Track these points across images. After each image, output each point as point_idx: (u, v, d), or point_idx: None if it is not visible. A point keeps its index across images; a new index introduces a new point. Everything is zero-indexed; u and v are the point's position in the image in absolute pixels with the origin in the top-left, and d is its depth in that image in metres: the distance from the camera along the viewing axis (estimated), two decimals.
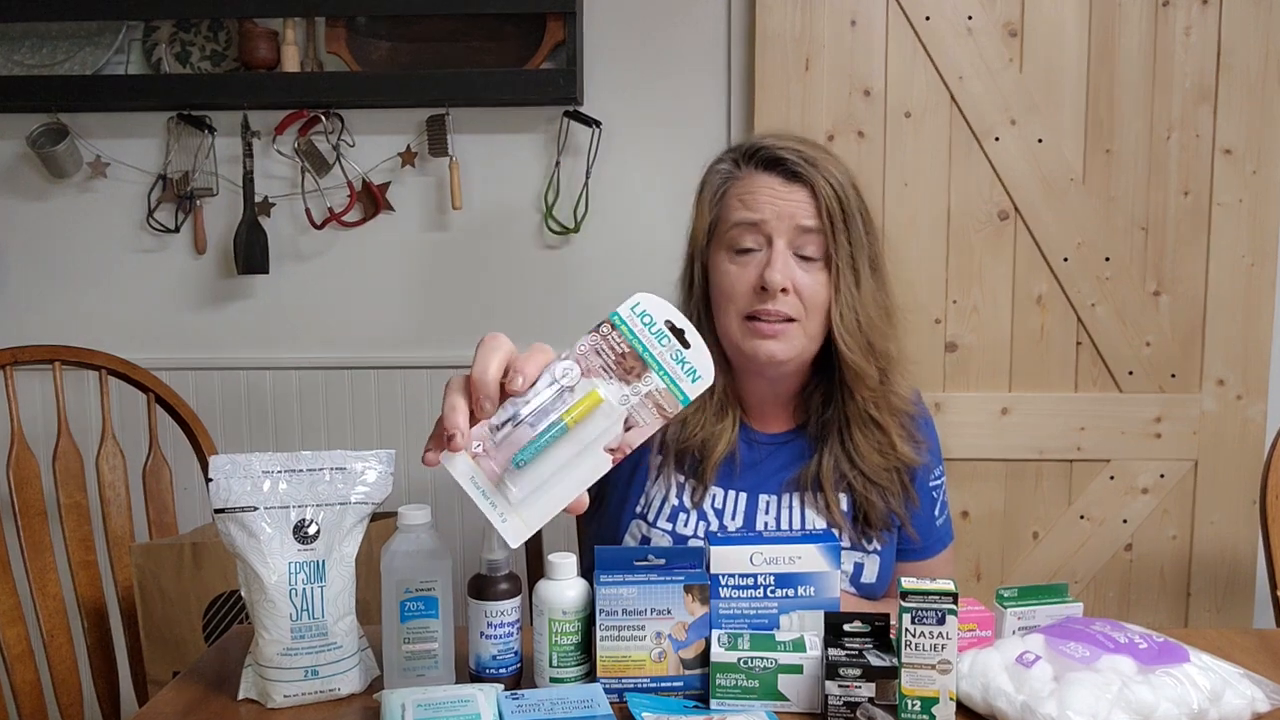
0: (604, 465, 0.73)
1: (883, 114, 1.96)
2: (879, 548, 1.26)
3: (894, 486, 1.26)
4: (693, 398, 0.75)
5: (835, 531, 1.23)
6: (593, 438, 0.72)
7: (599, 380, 0.73)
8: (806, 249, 1.20)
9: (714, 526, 1.26)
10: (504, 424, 0.73)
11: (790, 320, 1.19)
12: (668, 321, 0.73)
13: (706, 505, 1.27)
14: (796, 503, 1.26)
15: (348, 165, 2.01)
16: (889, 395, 1.25)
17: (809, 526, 1.26)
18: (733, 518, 1.26)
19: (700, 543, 1.25)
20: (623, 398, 0.73)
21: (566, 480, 0.73)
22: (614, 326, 0.74)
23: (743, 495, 1.27)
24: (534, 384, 0.73)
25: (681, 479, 1.27)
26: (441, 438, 0.75)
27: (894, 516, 1.27)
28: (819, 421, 1.27)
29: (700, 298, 1.26)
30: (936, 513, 1.33)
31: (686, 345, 0.73)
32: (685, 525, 1.26)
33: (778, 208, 1.19)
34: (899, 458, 1.25)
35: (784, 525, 1.26)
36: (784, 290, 1.18)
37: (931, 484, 1.32)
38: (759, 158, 1.22)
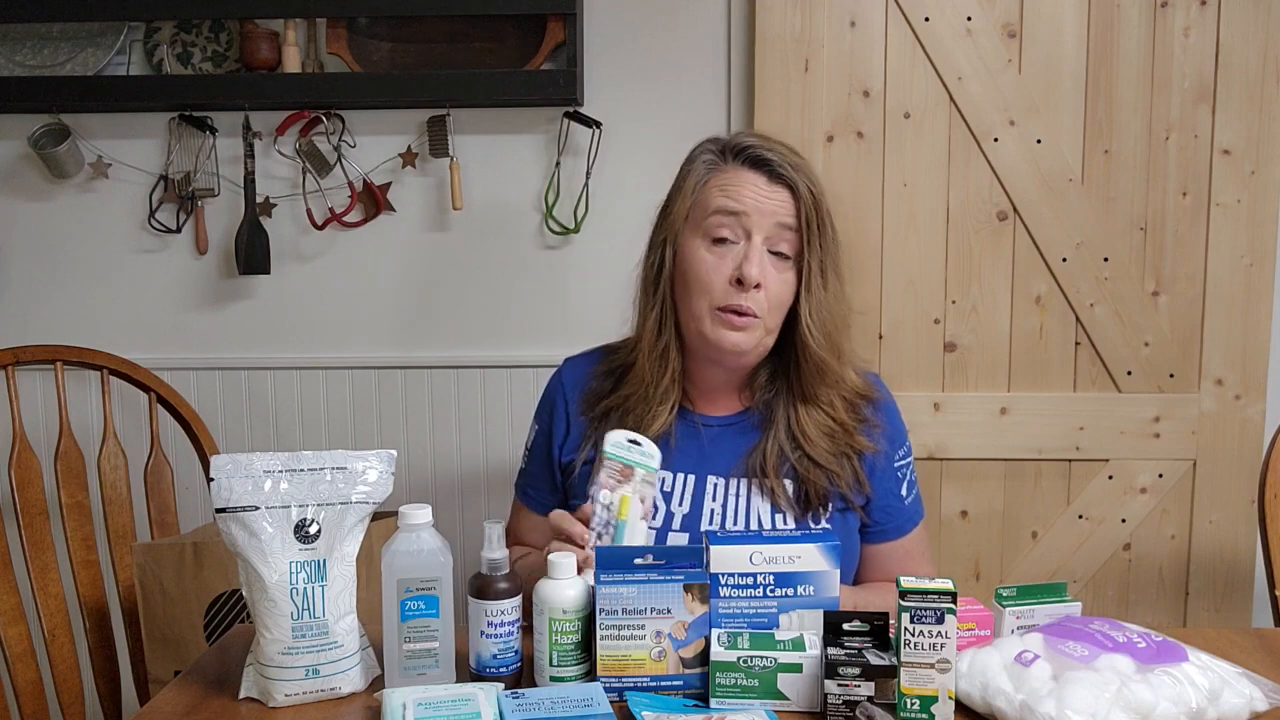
0: (644, 528, 1.17)
1: (882, 114, 1.97)
2: (828, 526, 1.28)
3: (844, 473, 1.28)
4: (658, 465, 1.18)
5: (782, 515, 1.26)
6: (635, 516, 1.16)
7: (621, 489, 1.15)
8: (781, 247, 1.24)
9: (660, 512, 1.28)
10: (594, 542, 1.13)
11: (755, 315, 1.23)
12: (628, 438, 1.17)
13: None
14: (744, 488, 1.28)
15: (349, 166, 2.01)
16: (843, 389, 1.30)
17: (754, 511, 1.27)
18: (680, 502, 1.28)
19: (652, 531, 1.27)
20: (634, 488, 1.16)
21: (637, 544, 1.15)
22: (609, 459, 1.15)
23: (690, 478, 1.29)
24: (595, 515, 1.15)
25: None
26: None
27: (839, 496, 1.28)
28: (763, 402, 1.31)
29: (668, 280, 1.29)
30: (904, 491, 1.34)
31: (639, 444, 1.17)
32: None
33: (760, 204, 1.23)
34: (851, 445, 1.29)
35: (729, 510, 1.27)
36: (757, 286, 1.22)
37: (897, 464, 1.34)
38: (745, 155, 1.26)
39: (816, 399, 1.28)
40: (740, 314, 1.23)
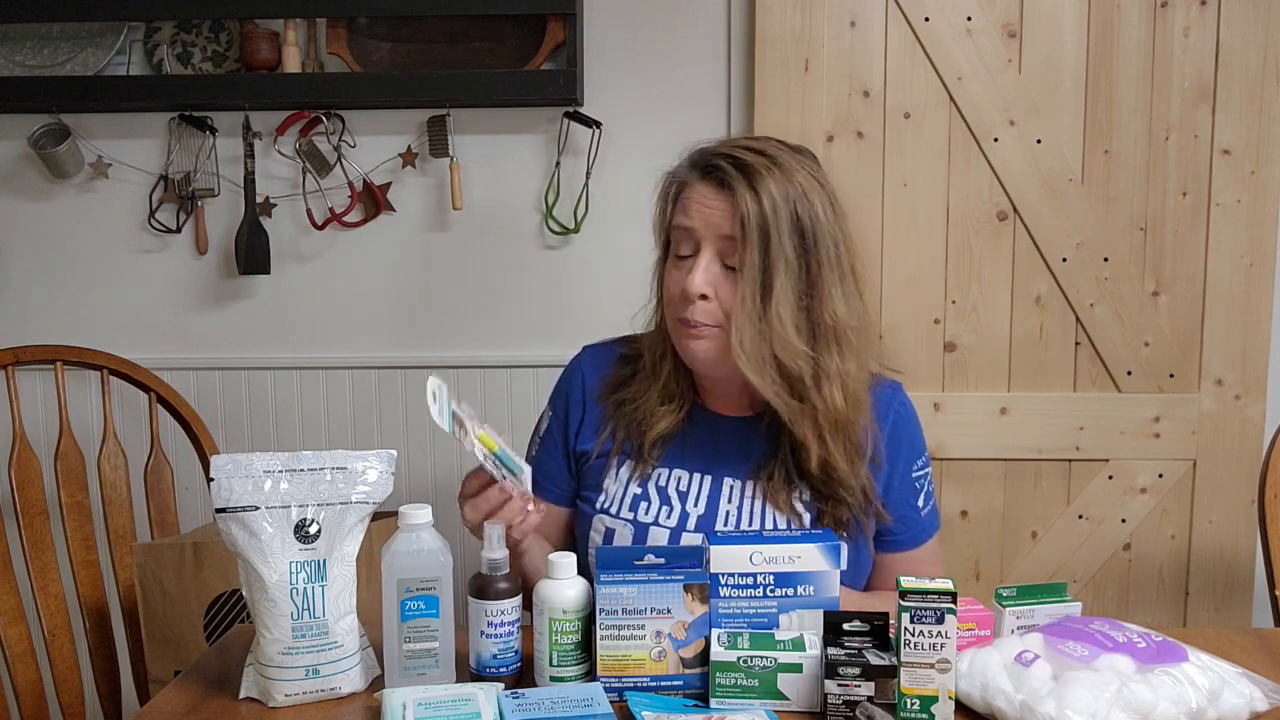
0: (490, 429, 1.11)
1: (882, 114, 1.97)
2: (844, 534, 1.26)
3: (844, 496, 1.25)
4: (446, 390, 1.09)
5: (796, 521, 1.25)
6: (498, 437, 1.10)
7: (471, 432, 1.07)
8: (730, 259, 1.19)
9: (676, 511, 1.27)
10: (503, 482, 1.10)
11: (708, 325, 1.20)
12: (430, 399, 1.06)
13: (670, 488, 1.28)
14: (760, 492, 1.27)
15: (349, 166, 2.01)
16: (818, 414, 1.21)
17: (769, 518, 1.26)
18: (695, 503, 1.27)
19: (662, 529, 1.27)
20: (470, 420, 1.08)
21: (511, 452, 1.11)
22: (451, 431, 1.07)
23: (706, 478, 1.29)
24: (491, 470, 1.09)
25: (634, 464, 1.30)
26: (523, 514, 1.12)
27: (854, 520, 1.26)
28: (772, 416, 1.28)
29: (659, 299, 1.29)
30: (921, 503, 1.33)
31: (435, 398, 1.07)
32: (646, 513, 1.27)
33: (706, 216, 1.20)
34: (831, 472, 1.23)
35: (744, 513, 1.26)
36: (704, 298, 1.19)
37: (914, 475, 1.32)
38: (701, 164, 1.23)
39: (804, 438, 1.21)
40: (690, 325, 1.20)
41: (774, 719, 0.97)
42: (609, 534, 1.28)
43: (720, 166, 1.19)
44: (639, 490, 1.28)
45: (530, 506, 1.11)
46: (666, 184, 1.27)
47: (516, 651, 1.07)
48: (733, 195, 1.18)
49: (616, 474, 1.30)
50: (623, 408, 1.31)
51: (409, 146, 2.02)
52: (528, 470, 1.10)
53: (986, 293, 2.00)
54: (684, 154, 1.28)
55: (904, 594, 0.96)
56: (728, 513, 1.27)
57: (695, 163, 1.24)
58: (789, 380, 1.20)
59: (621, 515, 1.28)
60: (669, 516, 1.27)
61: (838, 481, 1.24)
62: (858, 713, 0.96)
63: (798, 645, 1.02)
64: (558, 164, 2.01)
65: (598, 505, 1.30)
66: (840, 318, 1.21)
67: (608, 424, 1.32)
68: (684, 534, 1.26)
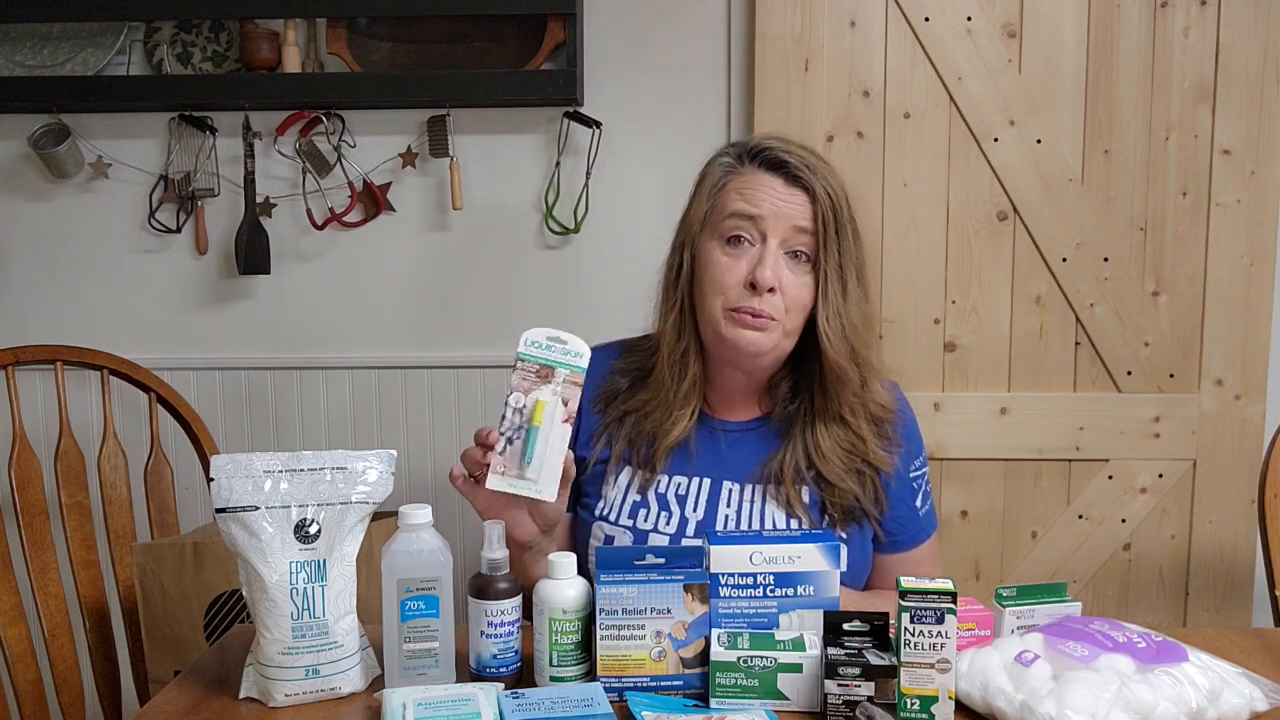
0: (567, 430, 1.09)
1: (882, 114, 1.97)
2: (844, 536, 1.27)
3: (863, 491, 1.27)
4: (586, 366, 1.10)
5: (797, 521, 1.25)
6: (552, 420, 1.09)
7: (536, 391, 1.09)
8: (798, 250, 1.23)
9: (675, 517, 1.27)
10: (504, 447, 1.09)
11: (771, 318, 1.22)
12: (547, 335, 1.10)
13: (669, 494, 1.28)
14: (759, 494, 1.28)
15: (349, 166, 2.01)
16: (868, 402, 1.28)
17: (769, 518, 1.26)
18: (694, 508, 1.27)
19: (662, 536, 1.27)
20: (553, 390, 1.09)
21: (554, 451, 1.09)
22: (522, 360, 1.10)
23: (706, 482, 1.29)
24: (505, 419, 1.09)
25: (635, 471, 1.30)
26: (477, 469, 1.12)
27: (860, 510, 1.28)
28: (784, 412, 1.30)
29: (686, 283, 1.28)
30: (919, 503, 1.34)
31: (561, 341, 1.10)
32: (646, 520, 1.27)
33: (776, 207, 1.22)
34: (870, 463, 1.27)
35: (744, 516, 1.27)
36: (770, 290, 1.21)
37: (913, 475, 1.33)
38: (763, 158, 1.25)
39: (839, 412, 1.26)
40: (755, 315, 1.21)
41: (774, 719, 0.97)
42: (608, 541, 1.28)
43: (789, 162, 1.23)
44: (638, 497, 1.29)
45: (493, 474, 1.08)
46: (714, 173, 1.28)
47: (516, 651, 1.07)
48: (807, 189, 1.22)
49: (616, 480, 1.30)
50: (627, 417, 1.31)
51: (409, 146, 2.02)
52: (546, 481, 1.08)
53: (986, 293, 2.00)
54: (727, 147, 1.30)
55: (904, 594, 0.96)
56: (726, 516, 1.27)
57: (751, 154, 1.26)
58: (862, 373, 1.26)
59: (621, 522, 1.28)
60: (668, 522, 1.27)
61: (865, 470, 1.27)
62: (858, 713, 0.96)
63: (798, 645, 1.02)
64: (558, 164, 2.01)
65: (597, 512, 1.30)
66: (878, 312, 1.27)
67: (603, 433, 1.32)
68: (683, 540, 1.26)
